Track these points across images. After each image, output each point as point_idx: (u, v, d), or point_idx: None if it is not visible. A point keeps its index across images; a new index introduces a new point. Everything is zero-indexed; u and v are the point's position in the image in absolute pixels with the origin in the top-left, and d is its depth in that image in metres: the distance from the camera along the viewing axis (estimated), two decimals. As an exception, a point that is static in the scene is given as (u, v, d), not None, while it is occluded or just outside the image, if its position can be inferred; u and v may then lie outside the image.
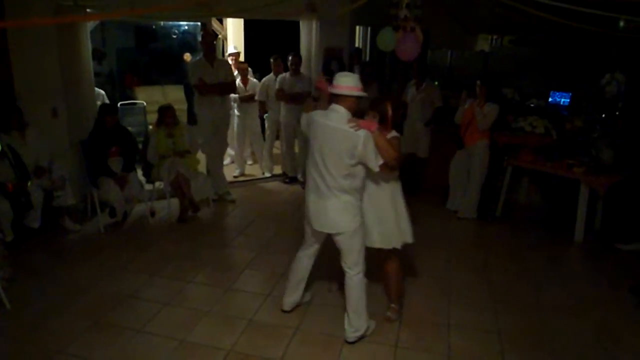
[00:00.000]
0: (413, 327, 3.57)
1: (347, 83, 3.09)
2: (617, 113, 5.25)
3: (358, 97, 3.13)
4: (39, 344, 3.27)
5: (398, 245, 3.45)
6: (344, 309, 3.58)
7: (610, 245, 4.99)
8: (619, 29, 6.20)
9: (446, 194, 5.93)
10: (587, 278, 4.46)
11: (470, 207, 5.67)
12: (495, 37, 9.33)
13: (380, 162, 3.05)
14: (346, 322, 3.36)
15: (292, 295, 3.66)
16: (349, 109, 3.10)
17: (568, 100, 7.51)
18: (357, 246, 3.26)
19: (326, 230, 3.27)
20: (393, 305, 3.66)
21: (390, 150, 3.05)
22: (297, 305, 3.72)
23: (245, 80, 6.86)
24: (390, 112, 3.25)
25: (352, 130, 2.99)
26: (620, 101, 5.28)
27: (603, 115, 5.42)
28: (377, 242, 3.43)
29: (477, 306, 3.88)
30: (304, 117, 3.39)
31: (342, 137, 3.02)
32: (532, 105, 6.76)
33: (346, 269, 3.31)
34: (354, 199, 3.18)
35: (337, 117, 3.08)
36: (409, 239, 3.49)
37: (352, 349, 3.31)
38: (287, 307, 3.68)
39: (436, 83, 6.96)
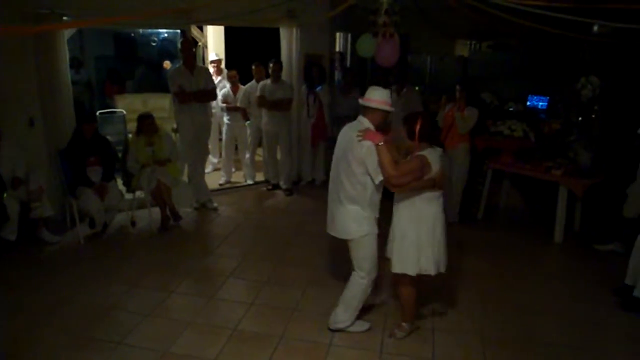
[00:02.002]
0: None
1: (378, 97, 3.20)
2: (593, 116, 5.36)
3: (385, 112, 3.22)
4: (17, 358, 3.19)
5: (432, 272, 3.26)
6: (328, 316, 3.58)
7: (589, 246, 5.07)
8: (593, 33, 6.34)
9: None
10: (567, 278, 4.53)
11: (452, 211, 5.70)
12: (473, 42, 9.46)
13: (381, 177, 3.11)
14: (333, 311, 3.47)
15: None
16: (373, 121, 3.21)
17: (546, 104, 7.63)
18: (362, 254, 3.30)
19: (334, 235, 3.40)
20: (404, 323, 3.51)
21: (388, 169, 3.04)
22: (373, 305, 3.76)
23: (235, 89, 6.84)
24: (418, 127, 3.16)
25: (356, 134, 3.12)
26: (596, 104, 5.39)
27: (580, 119, 5.53)
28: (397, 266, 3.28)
29: (460, 309, 3.91)
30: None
31: (353, 144, 3.15)
32: (510, 109, 6.85)
33: (354, 274, 3.41)
34: (362, 209, 3.23)
35: (360, 127, 3.19)
36: (442, 268, 3.30)
37: (336, 356, 3.31)
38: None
39: (417, 88, 7.03)
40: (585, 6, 3.61)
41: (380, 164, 3.07)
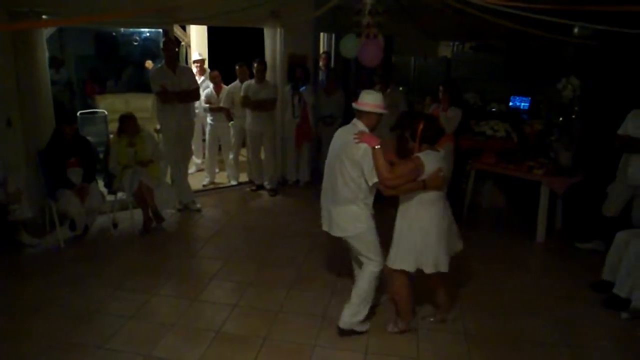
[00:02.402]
0: (383, 332, 3.57)
1: (372, 101, 3.27)
2: (573, 116, 5.44)
3: (379, 114, 3.30)
4: (-6, 366, 3.13)
5: (429, 270, 3.29)
6: (312, 316, 3.57)
7: (570, 244, 5.14)
8: (574, 35, 6.43)
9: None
10: (550, 277, 4.58)
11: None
12: (457, 43, 9.54)
13: (375, 179, 3.17)
14: (346, 307, 3.43)
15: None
16: (368, 124, 3.29)
17: (528, 104, 7.73)
18: (366, 246, 3.39)
19: (333, 233, 3.43)
20: (400, 322, 3.55)
21: (382, 171, 3.10)
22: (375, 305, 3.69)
23: (218, 89, 6.79)
24: (420, 129, 3.21)
25: (353, 136, 3.19)
26: (577, 105, 5.47)
27: (560, 119, 5.61)
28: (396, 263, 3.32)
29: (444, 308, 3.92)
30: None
31: (349, 146, 3.22)
32: (493, 109, 6.92)
33: (361, 266, 3.48)
34: (358, 208, 3.31)
35: (354, 128, 3.28)
36: (441, 267, 3.30)
37: (321, 357, 3.29)
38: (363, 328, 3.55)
39: (401, 88, 7.05)
40: (566, 8, 3.65)
41: (375, 167, 3.14)
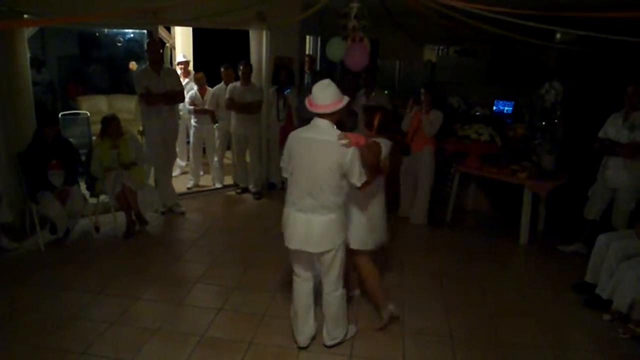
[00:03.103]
0: (369, 334, 3.58)
1: (331, 99, 2.99)
2: (555, 120, 5.52)
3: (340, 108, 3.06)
4: (-29, 373, 3.05)
5: (369, 247, 3.54)
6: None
7: (553, 247, 5.21)
8: (556, 40, 6.54)
9: (398, 201, 6.03)
10: (533, 279, 4.64)
11: (421, 213, 5.78)
12: (441, 47, 9.62)
13: (364, 179, 3.03)
14: (325, 330, 3.38)
15: (305, 327, 3.37)
16: (334, 121, 3.05)
17: (511, 108, 7.84)
18: (339, 262, 3.19)
19: (310, 250, 3.10)
20: (382, 314, 3.64)
21: (366, 169, 3.06)
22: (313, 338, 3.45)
23: (203, 91, 6.74)
24: (377, 120, 3.51)
25: (341, 142, 2.93)
26: (559, 109, 5.55)
27: (543, 123, 5.68)
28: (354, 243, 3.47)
29: (430, 311, 3.95)
30: (291, 138, 3.17)
31: (332, 149, 2.95)
32: (477, 113, 7.00)
33: (327, 288, 3.27)
34: (341, 215, 3.13)
35: (323, 130, 3.02)
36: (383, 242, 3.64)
37: (307, 361, 3.28)
38: (303, 344, 3.36)
39: (386, 92, 7.08)
40: (548, 14, 3.70)
41: (366, 161, 3.10)
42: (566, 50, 5.88)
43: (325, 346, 3.38)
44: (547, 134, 5.48)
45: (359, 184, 3.04)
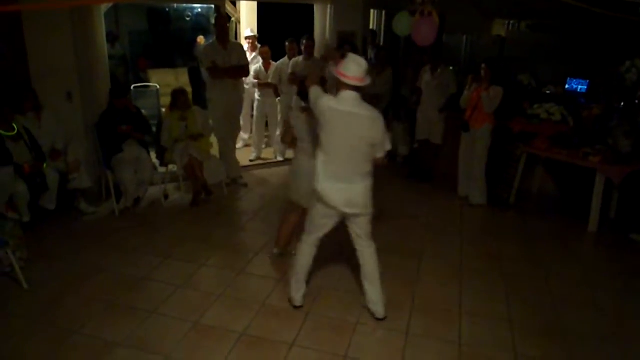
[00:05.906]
0: (425, 313, 3.59)
1: (365, 73, 3.16)
2: (636, 101, 5.16)
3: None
4: (55, 324, 3.34)
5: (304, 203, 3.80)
6: (354, 294, 3.61)
7: (624, 236, 4.94)
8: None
9: (456, 180, 5.90)
10: (601, 268, 4.43)
11: (480, 193, 5.62)
12: (512, 22, 9.16)
13: (389, 147, 3.36)
14: (375, 296, 3.47)
15: (301, 290, 3.63)
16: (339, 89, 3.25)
17: (585, 87, 7.37)
18: (369, 224, 3.46)
19: (357, 211, 3.34)
20: (275, 249, 4.30)
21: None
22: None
23: (267, 65, 6.83)
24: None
25: (375, 115, 3.20)
26: (640, 89, 5.19)
27: (622, 104, 5.33)
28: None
29: (489, 293, 3.88)
30: (323, 101, 3.23)
31: (369, 123, 3.20)
32: (548, 92, 6.65)
33: (365, 246, 3.47)
34: (371, 182, 3.35)
35: (357, 104, 3.20)
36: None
37: (363, 335, 3.34)
38: (299, 303, 3.61)
39: (451, 68, 6.87)
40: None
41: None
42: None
43: (378, 319, 3.47)
44: (626, 116, 5.14)
45: (384, 152, 3.34)
